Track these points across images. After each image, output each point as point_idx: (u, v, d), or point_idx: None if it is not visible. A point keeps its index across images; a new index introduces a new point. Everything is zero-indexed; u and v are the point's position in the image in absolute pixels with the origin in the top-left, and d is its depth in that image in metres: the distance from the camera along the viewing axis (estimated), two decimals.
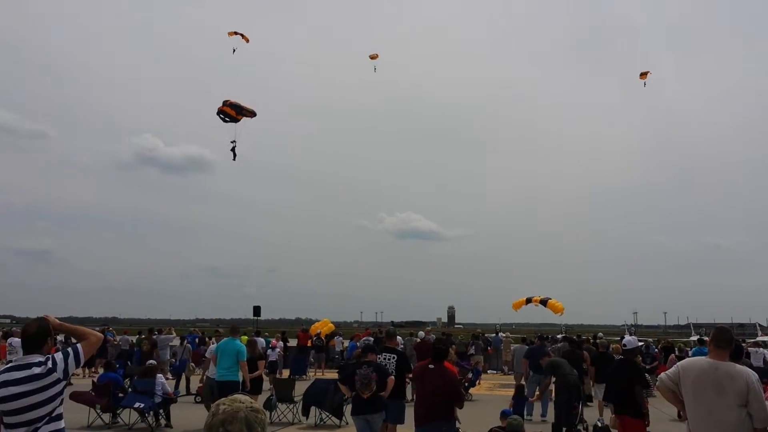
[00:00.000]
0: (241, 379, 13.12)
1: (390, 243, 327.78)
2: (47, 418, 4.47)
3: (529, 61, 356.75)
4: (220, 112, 21.93)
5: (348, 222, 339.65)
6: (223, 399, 2.46)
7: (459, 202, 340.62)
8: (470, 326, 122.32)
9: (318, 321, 33.08)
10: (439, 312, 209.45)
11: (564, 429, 12.16)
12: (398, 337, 18.04)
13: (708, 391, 5.58)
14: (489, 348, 31.41)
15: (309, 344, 29.13)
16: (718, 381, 5.56)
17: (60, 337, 19.83)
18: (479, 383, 21.18)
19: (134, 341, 28.20)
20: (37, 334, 4.63)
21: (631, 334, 27.19)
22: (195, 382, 19.58)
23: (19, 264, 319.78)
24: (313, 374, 25.61)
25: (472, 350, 27.72)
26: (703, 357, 5.96)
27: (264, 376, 23.03)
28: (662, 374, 6.21)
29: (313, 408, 14.63)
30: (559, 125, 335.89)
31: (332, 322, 33.54)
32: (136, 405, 13.80)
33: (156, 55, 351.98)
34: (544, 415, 15.50)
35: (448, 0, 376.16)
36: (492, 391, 21.83)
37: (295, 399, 15.34)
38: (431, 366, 8.64)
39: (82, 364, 4.93)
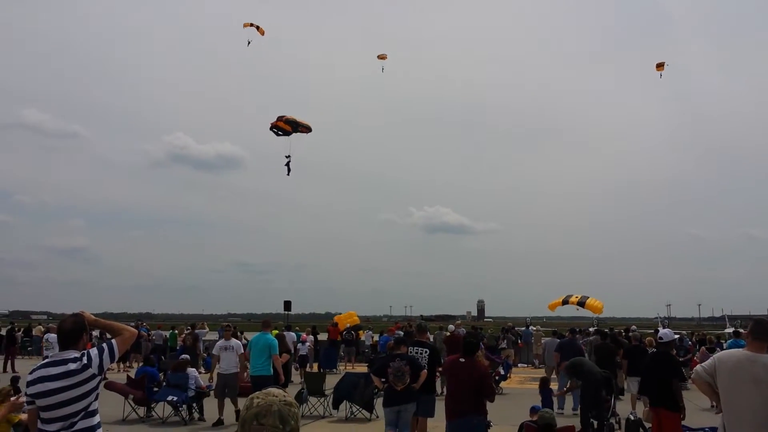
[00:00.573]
0: (272, 373, 13.16)
1: (419, 237, 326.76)
2: (83, 413, 4.54)
3: (556, 53, 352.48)
4: (273, 127, 21.72)
5: (376, 216, 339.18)
6: (256, 392, 2.47)
7: (489, 196, 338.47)
8: (500, 320, 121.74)
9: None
10: (469, 306, 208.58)
11: (595, 423, 12.01)
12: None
13: (745, 384, 5.49)
14: (519, 341, 31.25)
15: (339, 338, 29.24)
16: (756, 374, 5.46)
17: (95, 332, 20.22)
18: (510, 376, 21.10)
19: (167, 336, 28.61)
20: (73, 330, 4.70)
21: (664, 327, 26.80)
22: None
23: (54, 261, 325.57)
24: (343, 368, 25.73)
25: (503, 344, 27.59)
26: (740, 349, 5.87)
27: (294, 370, 23.37)
28: (698, 366, 6.13)
29: (344, 401, 14.70)
30: (589, 118, 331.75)
31: (361, 317, 33.59)
32: (169, 398, 14.00)
33: (185, 53, 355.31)
34: (575, 408, 15.36)
35: None
36: (523, 385, 21.72)
37: (326, 392, 15.43)
38: (462, 360, 8.62)
39: (116, 360, 5.00)
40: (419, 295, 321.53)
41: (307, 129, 21.94)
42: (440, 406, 10.00)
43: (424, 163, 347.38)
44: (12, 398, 6.48)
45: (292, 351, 23.07)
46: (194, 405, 14.42)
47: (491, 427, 11.10)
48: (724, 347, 19.13)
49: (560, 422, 10.48)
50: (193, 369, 14.46)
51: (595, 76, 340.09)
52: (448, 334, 22.38)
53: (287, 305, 39.75)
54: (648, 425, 10.79)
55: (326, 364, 24.70)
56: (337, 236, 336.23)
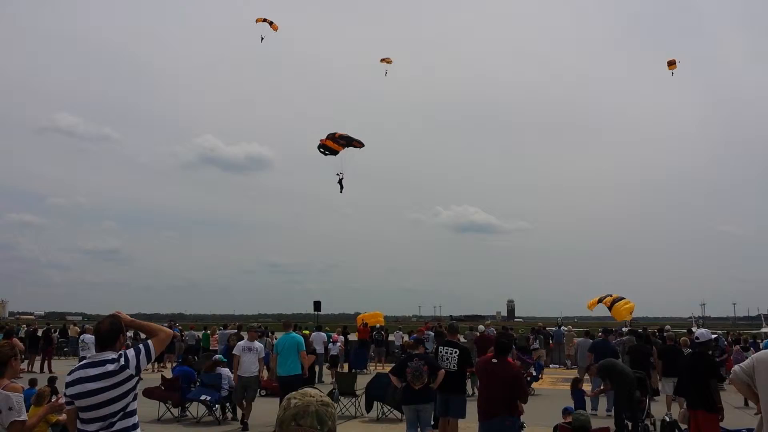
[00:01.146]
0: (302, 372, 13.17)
1: (447, 236, 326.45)
2: (121, 413, 4.60)
3: (589, 51, 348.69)
4: (321, 146, 21.16)
5: (404, 216, 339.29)
6: (293, 393, 2.47)
7: (517, 194, 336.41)
8: (530, 320, 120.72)
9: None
10: (498, 306, 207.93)
11: (630, 424, 11.83)
12: None
13: None
14: (551, 342, 30.91)
15: (369, 339, 29.26)
16: None
17: (129, 333, 20.50)
18: (542, 377, 20.92)
19: (200, 336, 28.90)
20: (110, 331, 4.77)
21: (699, 326, 26.30)
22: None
23: (88, 263, 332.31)
24: (373, 368, 25.76)
25: (535, 344, 27.34)
26: None
27: (326, 369, 23.44)
28: (736, 366, 6.00)
29: (375, 402, 14.73)
30: (618, 116, 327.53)
31: (390, 317, 33.58)
32: (203, 398, 14.15)
33: (212, 56, 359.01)
34: (609, 410, 15.16)
35: None
36: (555, 386, 21.54)
37: (357, 393, 15.46)
38: (494, 360, 8.57)
39: (153, 360, 5.05)
40: (448, 295, 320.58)
41: (360, 144, 21.42)
42: (471, 407, 9.99)
43: (452, 162, 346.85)
44: (52, 399, 6.60)
45: (323, 351, 23.14)
46: (227, 405, 14.55)
47: (524, 428, 11.04)
48: (760, 347, 18.74)
49: (594, 424, 10.37)
50: (227, 369, 14.53)
51: (623, 70, 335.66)
52: (478, 334, 22.28)
53: (317, 305, 39.92)
54: (684, 426, 10.61)
55: (356, 364, 24.76)
56: (365, 236, 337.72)
